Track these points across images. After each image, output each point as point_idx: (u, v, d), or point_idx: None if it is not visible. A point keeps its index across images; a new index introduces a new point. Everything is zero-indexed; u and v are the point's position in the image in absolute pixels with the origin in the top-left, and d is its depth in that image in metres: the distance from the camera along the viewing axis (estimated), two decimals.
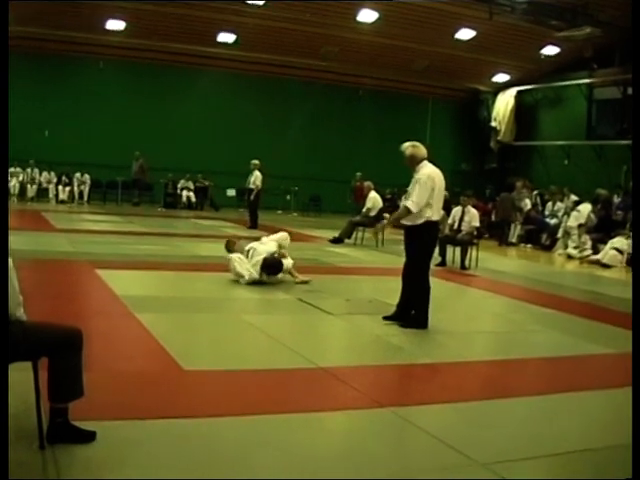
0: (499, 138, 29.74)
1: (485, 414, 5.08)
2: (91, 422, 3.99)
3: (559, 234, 19.75)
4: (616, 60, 24.11)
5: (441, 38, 25.16)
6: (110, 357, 5.72)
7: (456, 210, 14.48)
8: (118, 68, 26.11)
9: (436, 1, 22.38)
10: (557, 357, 6.99)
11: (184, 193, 26.38)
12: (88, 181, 25.24)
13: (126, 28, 24.04)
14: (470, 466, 4.00)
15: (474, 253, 14.06)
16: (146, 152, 25.02)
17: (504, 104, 29.69)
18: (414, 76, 28.71)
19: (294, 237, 17.48)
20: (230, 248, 10.16)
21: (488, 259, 15.29)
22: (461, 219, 14.19)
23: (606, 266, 16.56)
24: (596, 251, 17.90)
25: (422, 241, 7.87)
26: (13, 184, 23.54)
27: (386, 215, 15.44)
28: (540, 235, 20.78)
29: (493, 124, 29.99)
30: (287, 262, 10.19)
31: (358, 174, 23.88)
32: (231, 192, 26.85)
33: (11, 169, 23.34)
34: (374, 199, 17.27)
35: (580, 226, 18.57)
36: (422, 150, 7.86)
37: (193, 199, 26.43)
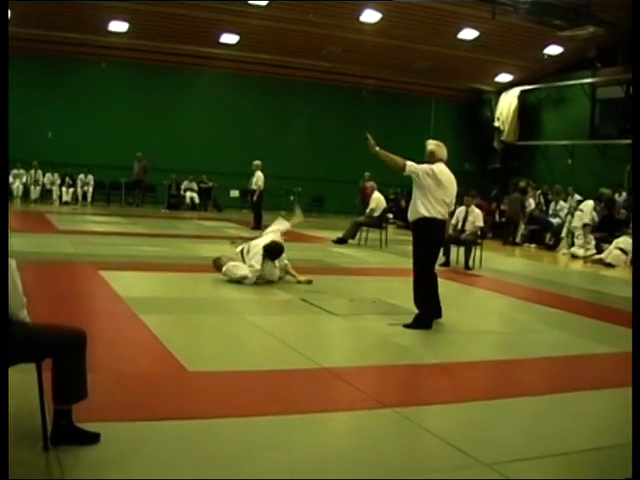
0: (502, 138, 29.70)
1: (489, 414, 5.07)
2: (95, 423, 3.99)
3: (563, 234, 19.74)
4: (619, 59, 24.09)
5: (444, 38, 25.14)
6: (114, 358, 5.72)
7: (460, 210, 14.47)
8: (121, 69, 26.13)
9: (439, 1, 22.36)
10: (561, 357, 6.97)
11: (187, 194, 26.38)
12: (91, 182, 25.23)
13: (129, 29, 24.05)
14: (475, 466, 4.00)
15: (478, 253, 14.05)
16: (149, 153, 25.02)
17: (507, 104, 29.66)
18: (417, 76, 28.69)
19: (298, 238, 17.51)
20: (219, 265, 10.16)
21: (492, 259, 15.27)
22: (465, 219, 14.19)
23: (610, 265, 16.54)
24: (600, 250, 17.89)
25: (421, 239, 8.08)
26: (17, 186, 23.56)
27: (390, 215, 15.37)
28: (544, 235, 20.78)
29: (496, 124, 29.96)
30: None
31: (367, 174, 23.88)
32: (234, 193, 26.84)
33: (14, 171, 23.38)
34: (377, 199, 17.26)
35: (585, 226, 18.54)
36: (443, 151, 8.24)
37: (196, 200, 26.43)
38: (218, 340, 6.94)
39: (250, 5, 22.85)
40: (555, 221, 20.73)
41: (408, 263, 14.19)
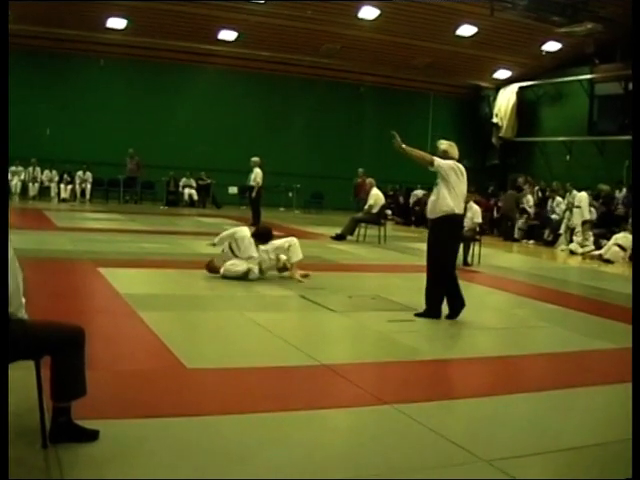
0: (501, 134, 29.73)
1: (489, 410, 5.06)
2: (94, 421, 3.98)
3: (561, 230, 19.75)
4: (617, 55, 24.13)
5: (442, 35, 25.15)
6: (113, 355, 5.72)
7: None
8: (119, 66, 26.12)
9: None
10: (561, 353, 6.97)
11: (186, 191, 26.38)
12: (90, 179, 25.23)
13: (127, 26, 24.05)
14: (474, 463, 3.99)
15: (477, 249, 14.05)
16: (148, 150, 25.03)
17: (506, 100, 29.68)
18: (415, 73, 28.71)
19: (296, 234, 17.50)
20: (214, 268, 10.15)
21: (491, 255, 15.27)
22: (463, 216, 14.16)
23: (608, 261, 16.55)
24: (598, 246, 17.90)
25: (444, 235, 8.12)
26: (15, 183, 23.54)
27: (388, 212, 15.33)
28: (542, 231, 20.81)
29: (495, 120, 29.98)
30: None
31: (360, 170, 23.87)
32: (233, 190, 26.82)
33: (12, 168, 23.35)
34: (376, 196, 17.25)
35: (584, 223, 18.54)
36: (455, 150, 8.31)
37: (195, 197, 26.43)
38: (217, 337, 6.93)
39: (249, 2, 22.85)
40: (553, 217, 20.75)
41: (407, 260, 14.38)
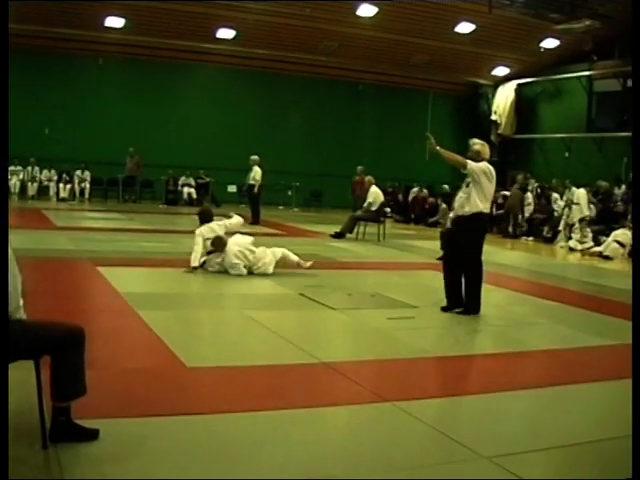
0: (499, 131, 29.69)
1: (489, 407, 5.07)
2: (94, 420, 3.98)
3: (560, 226, 19.75)
4: (616, 52, 24.12)
5: (441, 32, 25.13)
6: (112, 354, 5.72)
7: None
8: (118, 65, 26.08)
9: None
10: (560, 349, 6.98)
11: (185, 189, 26.36)
12: (89, 178, 25.21)
13: (125, 25, 24.01)
14: (475, 459, 4.00)
15: None
16: (147, 148, 24.98)
17: (504, 97, 29.66)
18: (414, 70, 28.68)
19: (296, 232, 17.51)
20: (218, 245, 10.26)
21: (490, 252, 15.23)
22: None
23: (607, 258, 16.56)
24: (597, 243, 17.91)
25: (473, 232, 8.33)
26: (13, 182, 23.50)
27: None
28: (542, 228, 20.81)
29: (493, 117, 29.96)
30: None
31: (359, 168, 23.87)
32: (232, 188, 26.79)
33: (11, 167, 23.30)
34: (375, 193, 17.24)
35: (582, 220, 18.54)
36: (487, 150, 8.61)
37: (194, 195, 26.40)
38: (217, 335, 6.94)
39: (247, 0, 22.82)
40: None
41: (406, 257, 14.36)
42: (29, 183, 24.35)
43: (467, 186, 8.29)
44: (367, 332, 7.36)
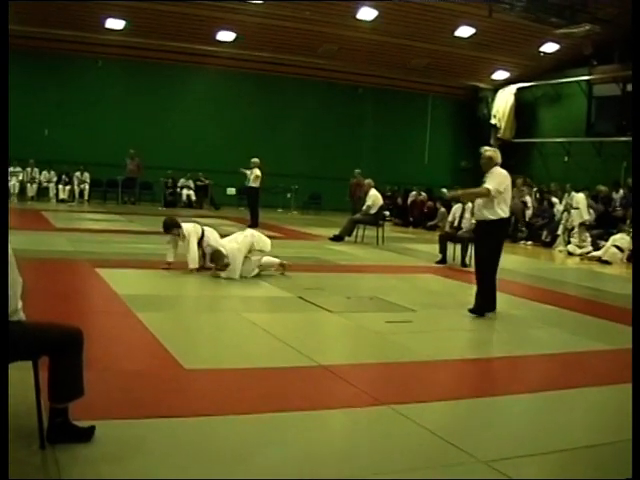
0: (499, 135, 29.73)
1: (486, 411, 5.07)
2: (92, 421, 3.97)
3: (559, 231, 19.76)
4: (615, 57, 24.16)
5: (441, 36, 25.18)
6: (110, 356, 5.71)
7: (456, 207, 14.45)
8: (117, 66, 26.11)
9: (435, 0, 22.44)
10: (558, 354, 6.98)
11: (184, 192, 26.37)
12: (88, 180, 25.23)
13: (125, 27, 24.05)
14: (471, 463, 4.00)
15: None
16: (146, 150, 25.01)
17: (504, 101, 29.71)
18: (413, 74, 28.72)
19: (294, 235, 17.51)
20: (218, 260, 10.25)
21: None
22: (461, 216, 14.18)
23: (606, 262, 16.57)
24: (596, 247, 17.91)
25: (493, 238, 8.55)
26: (13, 183, 23.50)
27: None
28: (540, 232, 20.82)
29: (493, 121, 30.00)
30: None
31: (357, 171, 23.89)
32: (231, 191, 26.82)
33: (11, 168, 23.30)
34: (374, 197, 17.24)
35: (581, 225, 18.55)
36: (499, 156, 8.86)
37: (193, 198, 26.42)
38: (215, 337, 6.94)
39: (247, 2, 22.85)
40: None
41: (405, 261, 14.39)
42: (28, 184, 24.37)
43: None
44: (365, 335, 7.36)
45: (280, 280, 10.16)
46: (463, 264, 13.66)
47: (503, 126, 29.58)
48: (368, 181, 18.03)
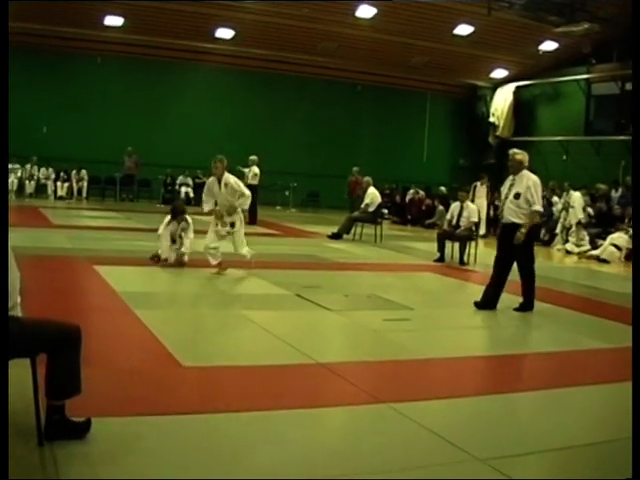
0: (497, 133, 29.73)
1: (484, 409, 5.07)
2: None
3: (557, 230, 19.76)
4: (614, 56, 24.16)
5: (440, 34, 25.15)
6: (108, 353, 5.72)
7: (454, 206, 14.48)
8: (116, 64, 26.04)
9: None
10: (557, 352, 6.98)
11: (182, 189, 26.32)
12: (86, 177, 25.21)
13: (124, 24, 24.00)
14: (470, 462, 4.00)
15: (473, 248, 14.04)
16: (145, 148, 24.99)
17: (502, 100, 29.69)
18: (412, 72, 28.68)
19: (292, 233, 17.51)
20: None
21: (488, 254, 15.23)
22: (459, 214, 14.18)
23: (604, 261, 16.57)
24: (594, 246, 17.91)
25: (528, 239, 8.78)
26: (11, 180, 23.42)
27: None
28: (538, 230, 20.79)
29: (491, 119, 29.98)
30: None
31: (355, 169, 23.87)
32: None
33: (9, 165, 23.26)
34: (373, 194, 17.25)
35: (579, 223, 18.56)
36: (527, 158, 9.11)
37: (192, 195, 26.36)
38: (213, 335, 6.94)
39: (245, 0, 22.82)
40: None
41: (403, 259, 14.39)
42: (27, 181, 24.33)
43: (516, 197, 8.71)
44: (363, 333, 7.36)
45: (278, 278, 10.15)
46: (461, 262, 13.67)
47: (502, 124, 29.57)
48: (366, 179, 18.03)
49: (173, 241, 10.83)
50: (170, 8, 23.01)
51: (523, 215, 8.66)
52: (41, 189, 24.71)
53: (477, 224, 14.69)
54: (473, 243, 14.05)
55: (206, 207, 10.54)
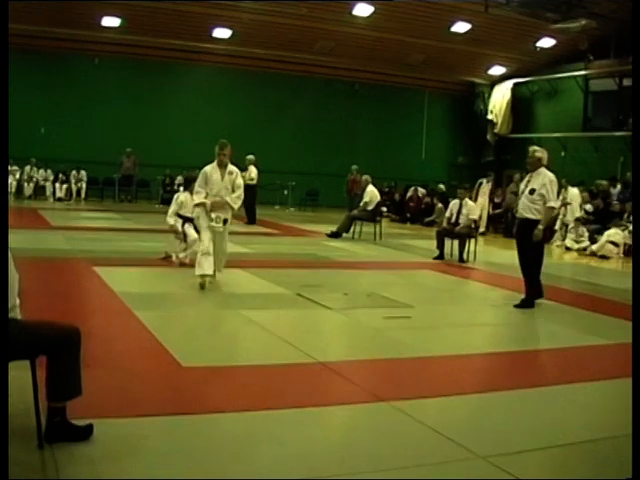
0: (496, 131, 29.73)
1: (485, 407, 5.07)
2: (90, 419, 3.96)
3: (556, 226, 19.75)
4: (612, 52, 24.15)
5: (437, 31, 25.14)
6: (108, 354, 5.71)
7: (454, 203, 14.46)
8: (114, 64, 26.03)
9: None
10: (557, 349, 6.98)
11: (181, 189, 26.30)
12: (85, 178, 25.20)
13: (121, 24, 23.99)
14: (471, 459, 4.00)
15: (472, 246, 14.03)
16: (143, 148, 24.98)
17: (500, 97, 29.68)
18: (410, 69, 28.67)
19: (292, 232, 17.51)
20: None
21: (487, 252, 15.30)
22: (459, 212, 14.17)
23: (603, 257, 16.56)
24: (593, 242, 17.91)
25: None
26: (10, 182, 23.39)
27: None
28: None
29: (489, 117, 29.97)
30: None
31: (354, 167, 23.87)
32: None
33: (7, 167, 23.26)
34: (372, 193, 17.25)
35: (577, 220, 18.55)
36: (546, 156, 9.35)
37: None
38: (213, 335, 6.93)
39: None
40: None
41: (402, 257, 14.38)
42: (25, 183, 24.32)
43: (531, 193, 8.82)
44: (363, 332, 7.36)
45: (278, 277, 10.15)
46: (461, 259, 13.67)
47: (500, 121, 29.56)
48: (365, 177, 18.03)
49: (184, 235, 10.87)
50: (167, 8, 23.00)
51: (536, 211, 8.75)
52: (40, 191, 24.69)
53: (476, 221, 14.69)
54: (473, 240, 14.05)
55: (198, 198, 9.55)
